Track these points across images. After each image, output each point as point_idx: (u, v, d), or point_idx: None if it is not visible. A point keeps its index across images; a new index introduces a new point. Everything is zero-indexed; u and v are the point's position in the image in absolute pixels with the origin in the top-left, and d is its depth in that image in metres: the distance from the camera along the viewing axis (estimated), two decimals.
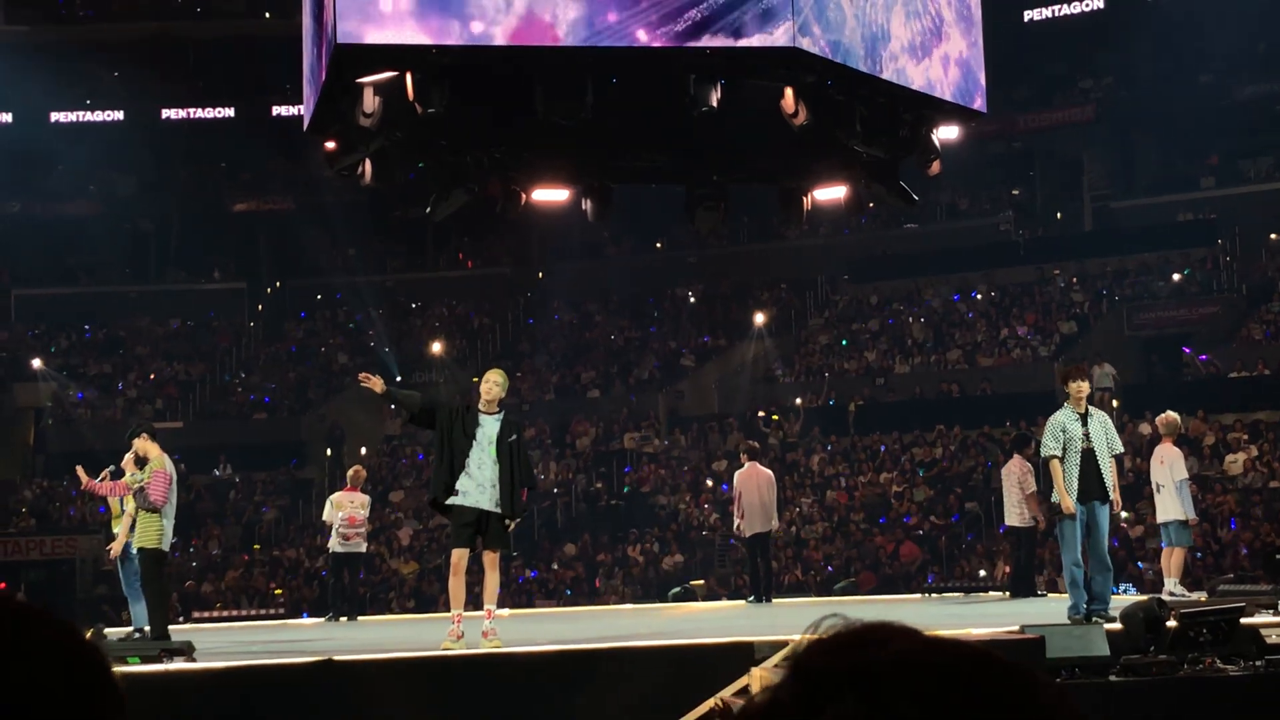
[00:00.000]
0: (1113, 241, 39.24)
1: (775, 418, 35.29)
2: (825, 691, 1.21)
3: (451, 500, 12.06)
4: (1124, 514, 24.39)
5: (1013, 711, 1.21)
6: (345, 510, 20.26)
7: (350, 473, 21.28)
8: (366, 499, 20.84)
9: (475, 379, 12.63)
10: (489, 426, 12.10)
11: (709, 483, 33.26)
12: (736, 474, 20.50)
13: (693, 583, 27.91)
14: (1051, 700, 1.23)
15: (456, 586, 12.35)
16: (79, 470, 15.30)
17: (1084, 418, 13.03)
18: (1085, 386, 13.22)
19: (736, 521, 20.52)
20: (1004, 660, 1.26)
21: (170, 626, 14.32)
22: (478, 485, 12.00)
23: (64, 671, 1.33)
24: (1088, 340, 35.54)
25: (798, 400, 36.14)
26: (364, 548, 20.94)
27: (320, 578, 29.61)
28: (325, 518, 20.93)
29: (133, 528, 14.20)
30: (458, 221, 17.17)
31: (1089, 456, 12.91)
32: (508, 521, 12.21)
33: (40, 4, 42.54)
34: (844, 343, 39.19)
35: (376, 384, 12.34)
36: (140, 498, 13.82)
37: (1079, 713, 1.24)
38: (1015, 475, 19.66)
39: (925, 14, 13.87)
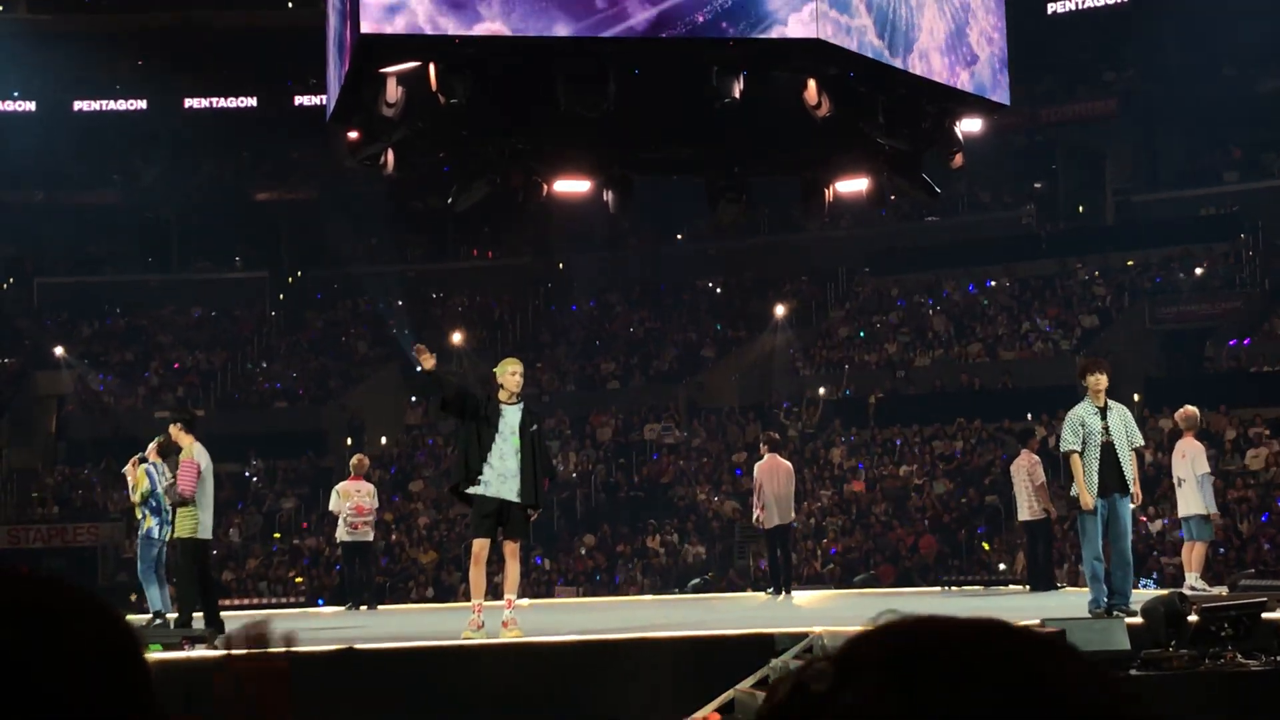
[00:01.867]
0: (1135, 235, 39.12)
1: (799, 408, 35.25)
2: (854, 672, 1.22)
3: (473, 490, 12.07)
4: (1145, 513, 24.35)
5: (1037, 686, 1.21)
6: (352, 500, 20.26)
7: (354, 462, 21.28)
8: (372, 488, 20.83)
9: (494, 370, 12.54)
10: (510, 416, 12.11)
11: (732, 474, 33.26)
12: (756, 465, 20.48)
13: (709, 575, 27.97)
14: (1080, 674, 1.23)
15: (477, 576, 12.37)
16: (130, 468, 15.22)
17: (1103, 411, 12.99)
18: (1104, 380, 13.16)
19: (756, 513, 20.51)
20: (1034, 635, 1.26)
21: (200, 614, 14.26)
22: (499, 475, 12.02)
23: (92, 650, 1.33)
24: (1109, 334, 35.44)
25: (821, 390, 36.10)
26: (372, 536, 20.92)
27: (339, 567, 29.71)
28: (332, 508, 20.92)
29: (171, 518, 14.21)
30: (479, 212, 17.15)
31: (1109, 450, 12.86)
32: (529, 511, 12.23)
33: None
34: (863, 335, 39.16)
35: (428, 360, 12.33)
36: (171, 493, 13.87)
37: (1114, 685, 1.24)
38: (1025, 469, 19.66)
39: (949, 6, 13.85)
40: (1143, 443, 13.93)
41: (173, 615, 14.14)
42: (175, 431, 14.09)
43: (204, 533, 13.86)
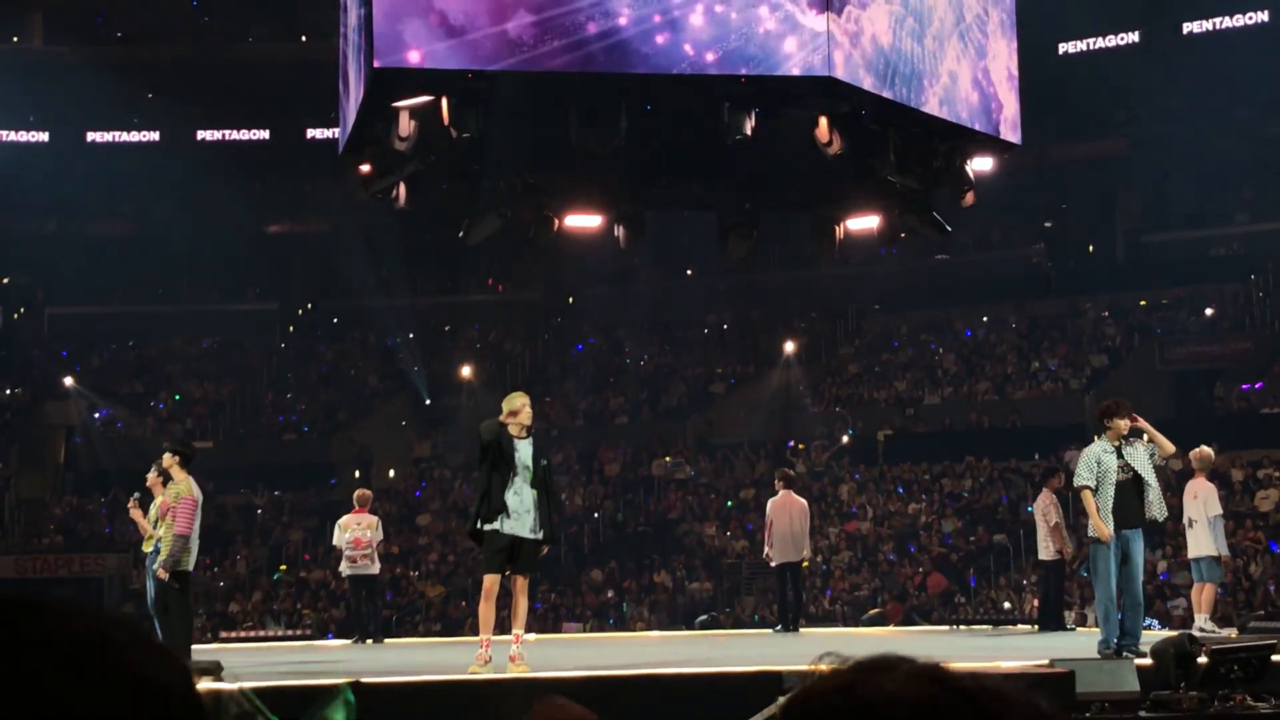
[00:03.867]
0: (1145, 275, 39.13)
1: (808, 446, 35.20)
2: None
3: (490, 526, 12.01)
4: (1153, 555, 24.27)
5: None
6: (351, 532, 20.22)
7: (356, 495, 21.24)
8: (375, 520, 20.74)
9: (503, 404, 12.47)
10: (524, 451, 12.08)
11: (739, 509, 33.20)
12: (770, 501, 20.40)
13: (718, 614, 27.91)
14: None
15: (487, 611, 12.34)
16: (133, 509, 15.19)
17: (1119, 450, 12.90)
18: (1126, 425, 12.98)
19: (766, 550, 20.46)
20: (1001, 696, 1.24)
21: (195, 646, 14.32)
22: (515, 512, 11.98)
23: (148, 687, 1.32)
24: (1119, 374, 35.41)
25: (827, 432, 36.08)
26: (374, 569, 20.73)
27: (345, 600, 29.68)
28: (335, 542, 20.88)
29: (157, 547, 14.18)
30: (490, 246, 17.18)
31: (1124, 487, 12.78)
32: (544, 547, 12.23)
33: (78, 25, 42.84)
34: (877, 370, 39.14)
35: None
36: (168, 532, 13.84)
37: None
38: (1041, 509, 19.59)
39: (962, 45, 13.89)
40: (1172, 450, 13.63)
41: None
42: (170, 461, 14.01)
43: (190, 564, 13.87)
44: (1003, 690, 1.24)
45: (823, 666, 1.30)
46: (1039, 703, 1.26)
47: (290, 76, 39.52)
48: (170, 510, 13.72)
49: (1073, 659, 11.03)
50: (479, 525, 12.13)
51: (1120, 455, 12.86)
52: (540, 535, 12.04)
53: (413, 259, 43.50)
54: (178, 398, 42.09)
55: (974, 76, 14.09)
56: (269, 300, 46.38)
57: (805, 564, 21.92)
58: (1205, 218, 40.23)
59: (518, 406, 12.18)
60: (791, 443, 35.71)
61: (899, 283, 41.30)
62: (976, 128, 14.16)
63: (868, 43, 12.62)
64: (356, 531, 20.19)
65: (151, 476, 14.70)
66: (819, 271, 40.54)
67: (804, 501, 20.88)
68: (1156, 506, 12.91)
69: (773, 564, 20.49)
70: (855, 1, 12.63)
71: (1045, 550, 19.52)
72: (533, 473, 12.00)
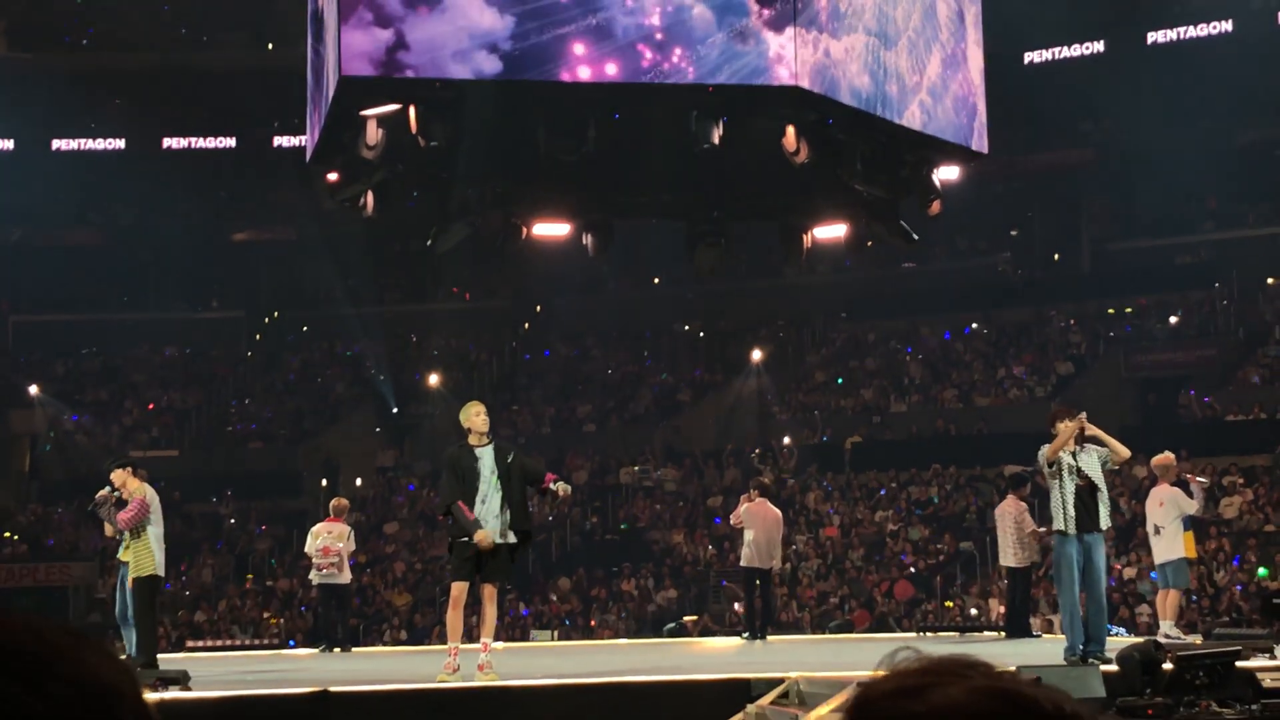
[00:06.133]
0: (1111, 283, 39.31)
1: (772, 454, 35.26)
2: None
3: (461, 538, 12.05)
4: (1118, 561, 24.39)
5: None
6: (321, 540, 20.15)
7: (333, 503, 21.16)
8: (346, 529, 20.62)
9: (459, 417, 12.54)
10: (486, 458, 12.13)
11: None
12: (746, 507, 20.37)
13: (686, 619, 27.90)
14: None
15: (454, 619, 12.35)
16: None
17: (1075, 454, 12.93)
18: (1072, 426, 13.06)
19: (745, 552, 20.43)
20: (1076, 717, 1.23)
21: (161, 655, 14.25)
22: (484, 520, 12.00)
23: (85, 692, 1.31)
24: (1084, 381, 35.56)
25: (787, 439, 36.15)
26: (343, 579, 20.58)
27: (313, 609, 29.61)
28: (306, 549, 20.81)
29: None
30: (457, 254, 17.18)
31: (1081, 491, 12.81)
32: (521, 548, 12.27)
33: (43, 32, 42.65)
34: (840, 381, 39.23)
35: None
36: (112, 520, 13.71)
37: None
38: (1011, 515, 19.55)
39: (928, 55, 13.94)
40: (1126, 455, 13.71)
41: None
42: (121, 475, 13.86)
43: (160, 569, 13.76)
44: (1078, 711, 1.23)
45: (895, 664, 1.27)
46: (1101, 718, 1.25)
47: (257, 84, 39.41)
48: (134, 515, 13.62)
49: (1039, 665, 11.07)
50: (451, 539, 12.22)
51: (1076, 458, 12.88)
52: (511, 539, 12.05)
53: (380, 267, 43.46)
54: (149, 406, 41.90)
55: (942, 85, 14.14)
56: (235, 308, 46.23)
57: (775, 572, 21.94)
58: (1170, 226, 40.42)
59: (469, 418, 12.28)
60: (758, 449, 35.74)
61: (866, 291, 41.40)
62: (944, 138, 14.22)
63: (835, 51, 12.67)
64: (327, 540, 20.12)
65: (103, 493, 14.59)
66: (786, 280, 40.63)
67: (778, 511, 20.90)
68: (1104, 517, 12.96)
69: (741, 563, 20.51)
70: (828, 30, 12.64)
71: (1013, 557, 19.53)
72: (499, 474, 12.04)
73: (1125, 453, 13.42)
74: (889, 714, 1.21)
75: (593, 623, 29.95)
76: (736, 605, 26.81)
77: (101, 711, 1.31)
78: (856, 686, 1.27)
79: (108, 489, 14.27)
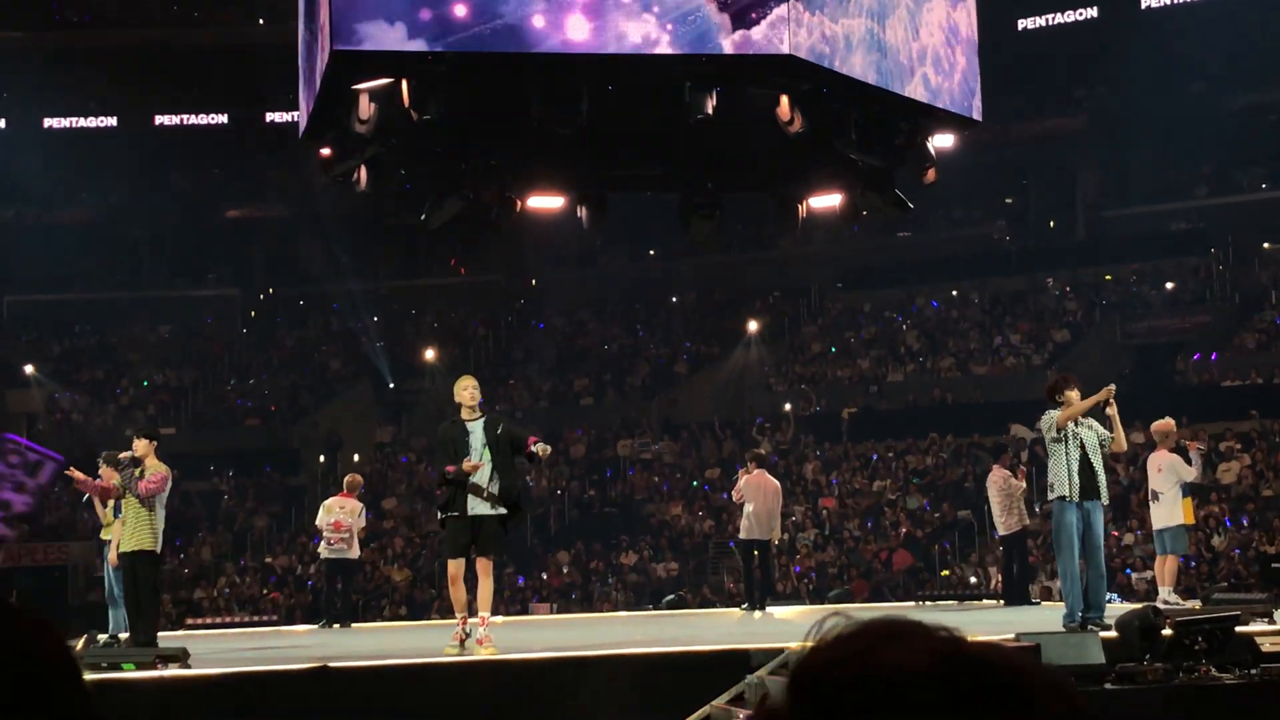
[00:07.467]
0: (1106, 250, 39.29)
1: (770, 425, 35.27)
2: (828, 709, 1.17)
3: (450, 513, 12.11)
4: (1116, 528, 24.41)
5: None
6: (333, 515, 20.16)
7: (347, 479, 21.16)
8: (358, 506, 20.65)
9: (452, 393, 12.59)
10: (477, 432, 12.18)
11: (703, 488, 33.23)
12: (745, 479, 20.35)
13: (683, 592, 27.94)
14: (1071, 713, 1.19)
15: (457, 595, 12.40)
16: (72, 471, 15.12)
17: (1077, 422, 12.92)
18: (1076, 395, 13.07)
19: (744, 524, 20.42)
20: (1022, 670, 1.21)
21: (160, 633, 14.23)
22: (474, 492, 12.05)
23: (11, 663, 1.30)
24: (1080, 348, 35.57)
25: (787, 406, 36.15)
26: (351, 554, 20.63)
27: (311, 585, 29.61)
28: (318, 522, 20.81)
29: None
30: (452, 228, 17.15)
31: (1084, 459, 12.81)
32: (511, 520, 12.27)
33: (34, 10, 42.48)
34: (835, 350, 39.23)
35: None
36: (133, 486, 13.56)
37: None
38: (998, 484, 19.61)
39: (922, 23, 13.89)
40: (1124, 448, 13.85)
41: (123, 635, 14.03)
42: (141, 444, 13.83)
43: (159, 544, 13.72)
44: (1024, 664, 1.20)
45: (828, 631, 1.23)
46: (1061, 677, 1.23)
47: (249, 60, 39.26)
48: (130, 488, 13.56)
49: (1038, 632, 11.08)
50: (441, 515, 12.26)
51: (1078, 426, 12.87)
52: (499, 510, 12.06)
53: (374, 243, 43.39)
54: (145, 384, 41.87)
55: (935, 52, 14.09)
56: (230, 285, 46.18)
57: (775, 542, 21.92)
58: (1165, 192, 40.40)
59: (459, 393, 12.32)
60: (760, 419, 35.75)
61: (861, 261, 41.39)
62: (938, 105, 14.17)
63: (829, 20, 12.61)
64: (339, 515, 20.13)
65: (106, 471, 14.57)
66: (782, 251, 40.61)
67: (777, 482, 20.88)
68: (1104, 487, 12.98)
69: (740, 535, 20.52)
70: (825, 12, 12.57)
71: (1004, 525, 19.58)
72: (489, 446, 12.07)
73: (1124, 444, 13.51)
74: (834, 682, 1.18)
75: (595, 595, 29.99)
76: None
77: (31, 681, 1.29)
78: (793, 656, 1.25)
79: (129, 454, 14.14)
